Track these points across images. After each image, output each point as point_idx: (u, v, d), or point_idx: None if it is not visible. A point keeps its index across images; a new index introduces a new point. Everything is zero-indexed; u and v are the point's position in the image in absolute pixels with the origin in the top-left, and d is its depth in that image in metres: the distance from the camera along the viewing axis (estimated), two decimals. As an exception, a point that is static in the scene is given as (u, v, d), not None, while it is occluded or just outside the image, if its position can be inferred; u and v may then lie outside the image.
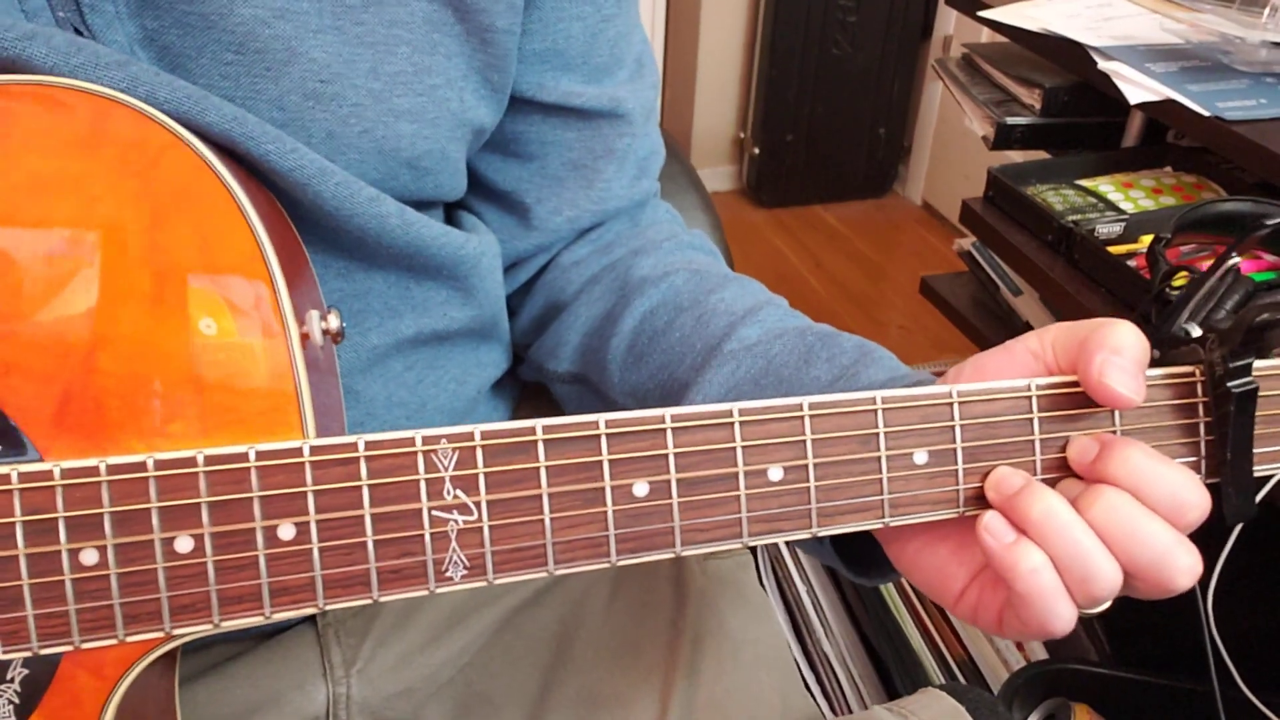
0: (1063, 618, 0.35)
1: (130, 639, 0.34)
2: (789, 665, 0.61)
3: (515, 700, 0.56)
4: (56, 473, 0.32)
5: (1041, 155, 1.22)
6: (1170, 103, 0.86)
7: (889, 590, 1.21)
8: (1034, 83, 1.13)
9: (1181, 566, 0.35)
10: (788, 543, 0.38)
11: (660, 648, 0.57)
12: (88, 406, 0.34)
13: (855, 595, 1.20)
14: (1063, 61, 1.00)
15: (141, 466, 0.33)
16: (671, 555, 0.36)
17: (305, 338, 0.36)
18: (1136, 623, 1.12)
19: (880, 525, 0.37)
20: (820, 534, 0.37)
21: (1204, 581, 0.79)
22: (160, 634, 0.34)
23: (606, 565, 0.36)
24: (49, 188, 0.34)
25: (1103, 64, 0.92)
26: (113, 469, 0.33)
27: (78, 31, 0.40)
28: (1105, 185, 1.04)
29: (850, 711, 1.13)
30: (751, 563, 0.66)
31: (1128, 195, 1.02)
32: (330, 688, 0.56)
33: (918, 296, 1.43)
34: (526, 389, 0.66)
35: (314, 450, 0.33)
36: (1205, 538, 0.83)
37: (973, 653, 1.14)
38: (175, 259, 0.35)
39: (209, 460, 0.33)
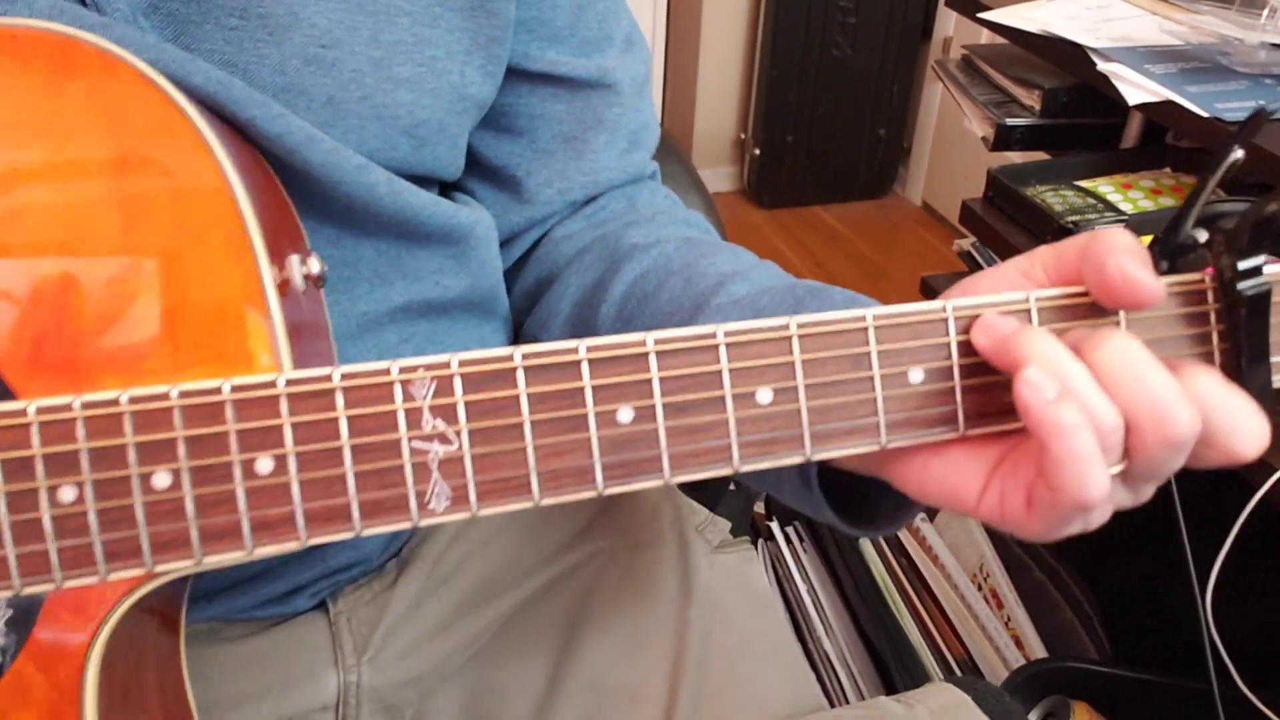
0: (1098, 477, 0.33)
1: (112, 576, 0.34)
2: (796, 656, 0.62)
3: (524, 690, 0.57)
4: (31, 410, 0.32)
5: (1041, 156, 1.23)
6: (1169, 104, 0.86)
7: (888, 588, 1.22)
8: (1033, 84, 1.13)
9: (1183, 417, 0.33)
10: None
11: (668, 638, 0.58)
12: (62, 346, 0.34)
13: (855, 593, 1.20)
14: (1062, 63, 1.01)
15: (115, 403, 0.33)
16: (661, 482, 0.35)
17: (286, 283, 0.37)
18: (1136, 621, 1.13)
19: (877, 448, 0.36)
20: (815, 458, 0.36)
21: (1203, 580, 0.80)
22: (141, 571, 0.34)
23: (594, 494, 0.35)
24: (17, 130, 0.35)
25: (1102, 65, 0.92)
26: (87, 405, 0.32)
27: (82, 2, 0.40)
28: (1105, 186, 1.05)
29: (850, 710, 1.13)
30: (757, 557, 0.67)
31: (1127, 196, 1.03)
32: (341, 675, 0.56)
33: (918, 297, 1.43)
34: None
35: (289, 383, 0.33)
36: (1205, 537, 0.84)
37: (972, 651, 1.15)
38: (144, 195, 0.35)
39: (183, 395, 0.33)
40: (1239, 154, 0.38)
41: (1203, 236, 0.38)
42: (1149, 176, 1.07)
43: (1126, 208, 1.01)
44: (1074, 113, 1.12)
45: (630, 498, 0.65)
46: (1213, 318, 0.37)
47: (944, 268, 1.56)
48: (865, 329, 0.35)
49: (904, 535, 1.28)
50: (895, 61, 2.72)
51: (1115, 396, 0.33)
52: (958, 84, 1.23)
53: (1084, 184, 1.05)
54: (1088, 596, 1.13)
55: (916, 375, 0.36)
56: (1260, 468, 0.73)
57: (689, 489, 0.72)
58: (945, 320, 0.36)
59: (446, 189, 0.58)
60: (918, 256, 2.64)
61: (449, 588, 0.60)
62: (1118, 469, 0.34)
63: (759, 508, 1.38)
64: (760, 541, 1.32)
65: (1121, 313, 0.37)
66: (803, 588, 1.25)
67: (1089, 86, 0.96)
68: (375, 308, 0.51)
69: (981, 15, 1.08)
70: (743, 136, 2.86)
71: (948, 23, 2.61)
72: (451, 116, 0.50)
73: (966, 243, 1.33)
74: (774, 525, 1.32)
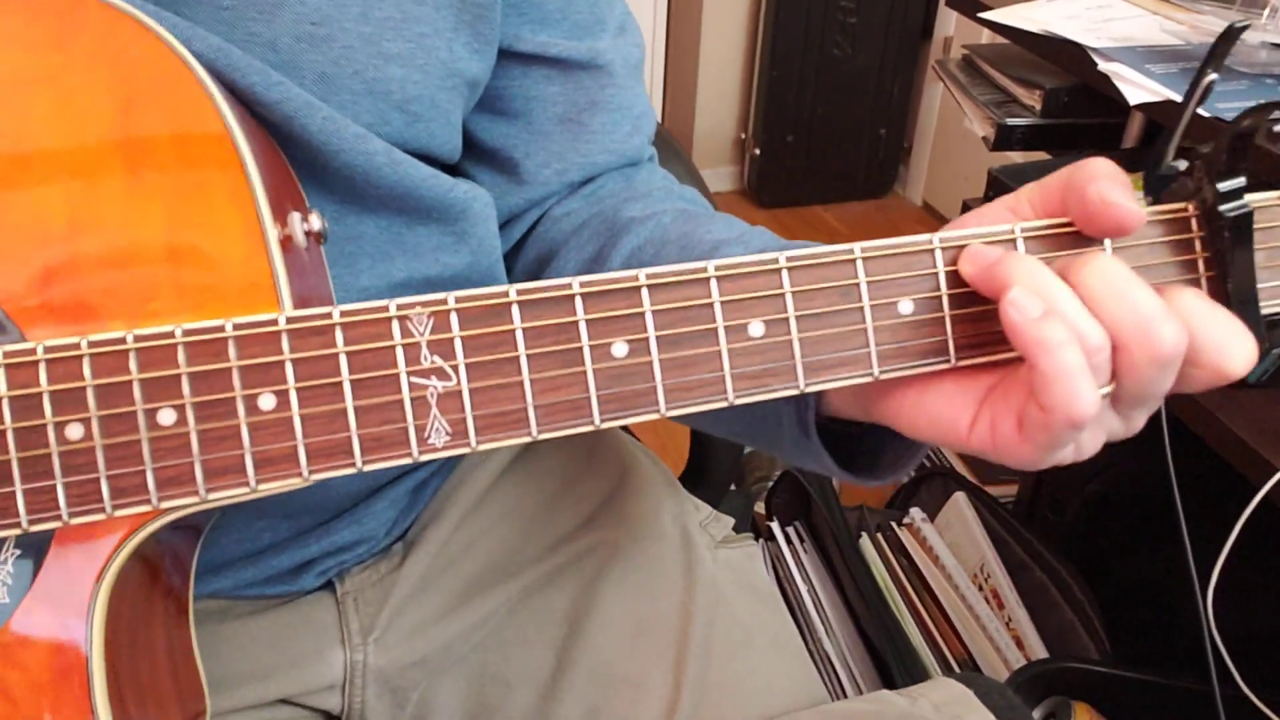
0: (1087, 392, 0.33)
1: (118, 513, 0.34)
2: (800, 650, 0.62)
3: (528, 681, 0.57)
4: (39, 350, 0.33)
5: (1042, 156, 1.23)
6: (1170, 103, 0.86)
7: (889, 589, 1.21)
8: (1034, 84, 1.13)
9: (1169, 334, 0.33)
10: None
11: (672, 630, 0.58)
12: (69, 289, 0.35)
13: (856, 594, 1.20)
14: (1063, 62, 1.00)
15: (121, 341, 0.33)
16: (656, 416, 0.35)
17: (288, 239, 0.37)
18: (1137, 622, 1.13)
19: (870, 379, 0.36)
20: (808, 389, 0.36)
21: (1204, 580, 0.80)
22: (148, 507, 0.34)
23: (591, 427, 0.35)
24: (25, 82, 0.35)
25: (1102, 65, 0.92)
26: (94, 344, 0.33)
27: None
28: (1105, 186, 1.04)
29: (851, 710, 1.13)
30: (759, 554, 0.67)
31: (1128, 196, 1.03)
32: (348, 654, 0.57)
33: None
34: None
35: (290, 320, 0.34)
36: (1206, 537, 0.84)
37: (973, 651, 1.15)
38: (149, 143, 0.36)
39: (187, 333, 0.34)
40: (1213, 76, 0.38)
41: (1183, 165, 0.38)
42: (1150, 176, 1.06)
43: (1127, 207, 1.01)
44: (1075, 112, 1.12)
45: (633, 492, 0.66)
46: (1198, 245, 0.38)
47: (944, 268, 1.56)
48: (853, 260, 0.36)
49: (904, 535, 1.29)
50: (895, 61, 2.72)
51: (1101, 315, 0.34)
52: (958, 84, 1.23)
53: (1085, 184, 1.05)
54: (1088, 596, 1.13)
55: (906, 306, 0.36)
56: (1261, 467, 0.73)
57: (691, 486, 0.72)
58: (933, 251, 0.37)
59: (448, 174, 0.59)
60: (918, 256, 2.64)
61: (455, 571, 0.60)
62: (1107, 390, 0.34)
63: (759, 508, 1.38)
64: (761, 541, 1.32)
65: (1107, 241, 0.37)
66: (803, 588, 1.25)
67: (1090, 86, 0.96)
68: (376, 283, 0.52)
69: (982, 15, 1.08)
70: (743, 136, 2.87)
71: (948, 22, 2.61)
72: (443, 93, 0.51)
73: (967, 243, 1.33)
74: (774, 525, 1.32)
